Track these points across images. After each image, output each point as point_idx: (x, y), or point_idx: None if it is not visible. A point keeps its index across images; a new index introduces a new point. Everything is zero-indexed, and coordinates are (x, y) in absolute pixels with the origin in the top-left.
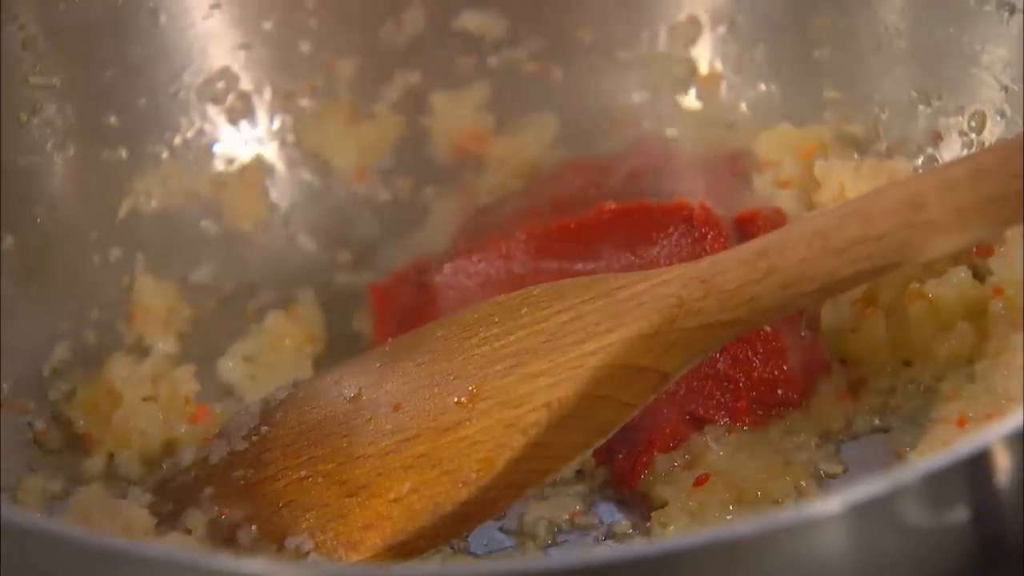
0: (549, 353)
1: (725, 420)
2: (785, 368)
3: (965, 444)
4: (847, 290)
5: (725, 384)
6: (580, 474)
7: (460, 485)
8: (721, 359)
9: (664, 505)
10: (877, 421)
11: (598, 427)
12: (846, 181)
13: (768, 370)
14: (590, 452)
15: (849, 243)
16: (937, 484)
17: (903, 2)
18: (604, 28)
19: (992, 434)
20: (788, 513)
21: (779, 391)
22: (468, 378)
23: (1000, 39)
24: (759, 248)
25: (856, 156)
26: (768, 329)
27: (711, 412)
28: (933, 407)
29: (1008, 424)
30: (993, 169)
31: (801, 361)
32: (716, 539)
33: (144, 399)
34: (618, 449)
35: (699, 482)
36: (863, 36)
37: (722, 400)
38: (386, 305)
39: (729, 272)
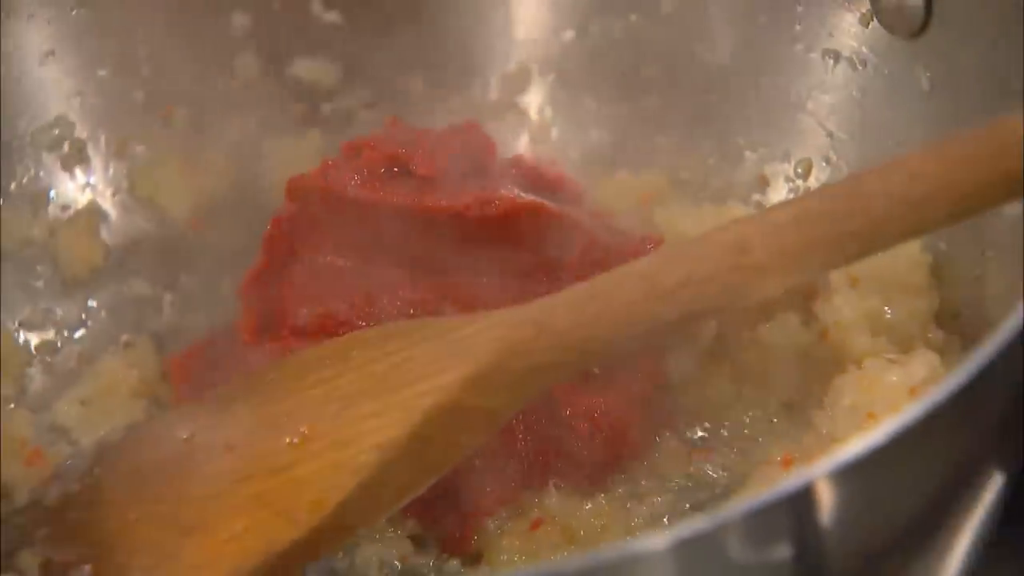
0: (381, 394)
1: (558, 483)
2: (626, 431)
3: (787, 481)
4: (678, 332)
5: (562, 447)
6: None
7: (293, 525)
8: (559, 422)
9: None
10: (718, 472)
11: (430, 467)
12: (688, 227)
13: (607, 436)
14: (422, 491)
15: (675, 286)
16: (760, 521)
17: (729, 50)
18: (435, 76)
19: (813, 471)
20: (614, 549)
21: (618, 453)
22: (300, 419)
23: (825, 86)
24: (588, 291)
25: (690, 202)
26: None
27: (545, 474)
28: (760, 448)
29: (829, 462)
30: (817, 212)
31: (645, 418)
32: (544, 573)
33: None
34: (445, 515)
35: (533, 526)
36: (690, 84)
37: (558, 463)
38: (185, 378)
39: (559, 314)
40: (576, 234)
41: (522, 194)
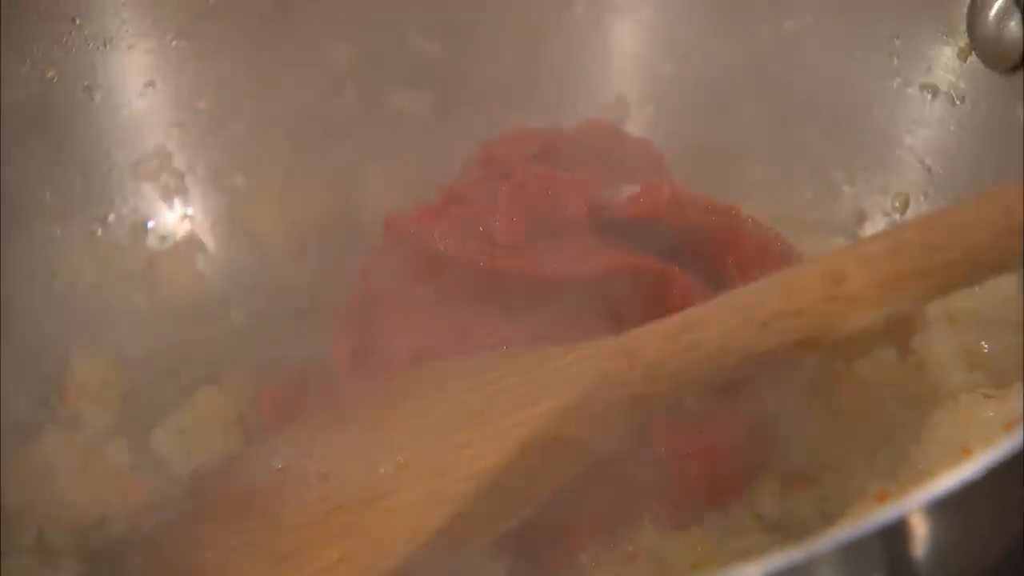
0: (476, 425)
1: (653, 517)
2: (722, 466)
3: (880, 514)
4: (773, 364)
5: (657, 482)
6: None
7: (387, 555)
8: (655, 456)
9: None
10: (814, 507)
11: (524, 498)
12: None
13: (705, 467)
14: (516, 522)
15: (770, 316)
16: (852, 554)
17: (826, 84)
18: (533, 107)
19: (907, 505)
20: None
21: (714, 489)
22: (395, 449)
23: (923, 120)
24: (682, 322)
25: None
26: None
27: (640, 508)
28: (855, 483)
29: (922, 496)
30: (912, 243)
31: (741, 453)
32: None
33: (76, 472)
34: (540, 548)
35: (628, 560)
36: (787, 117)
37: (653, 497)
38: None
39: (652, 345)
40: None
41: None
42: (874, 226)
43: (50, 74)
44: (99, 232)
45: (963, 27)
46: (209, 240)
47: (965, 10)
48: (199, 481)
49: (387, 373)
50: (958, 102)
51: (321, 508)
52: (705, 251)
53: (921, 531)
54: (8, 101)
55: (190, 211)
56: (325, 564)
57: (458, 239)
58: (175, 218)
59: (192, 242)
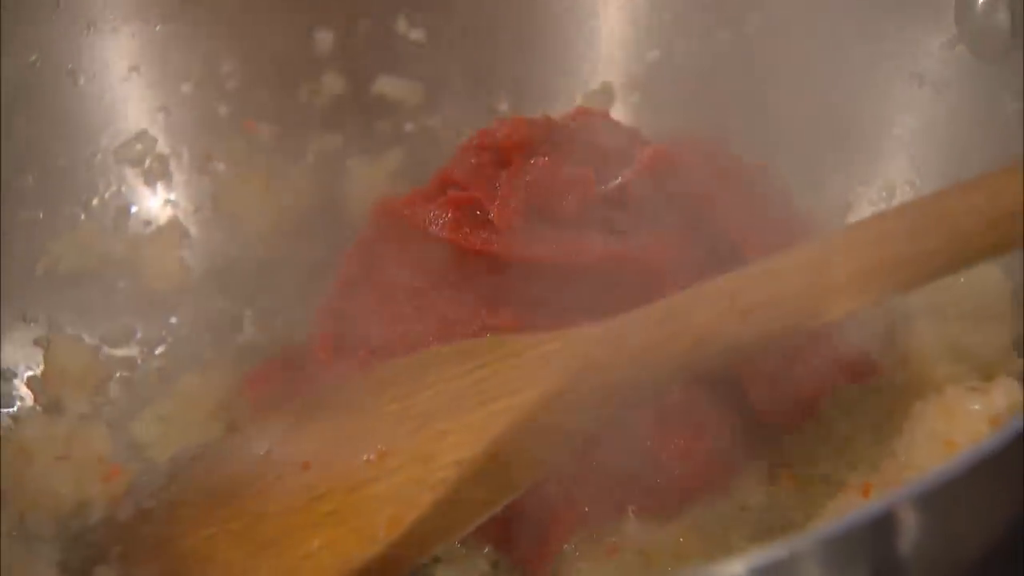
0: (458, 412)
1: (636, 509)
2: (706, 459)
3: (865, 509)
4: (756, 352)
5: (641, 474)
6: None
7: (369, 542)
8: (638, 447)
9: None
10: (798, 499)
11: (507, 486)
12: None
13: (690, 459)
14: (498, 510)
15: (754, 305)
16: (838, 548)
17: (813, 72)
18: (519, 95)
19: (892, 499)
20: (692, 575)
21: (698, 481)
22: (377, 437)
23: (910, 109)
24: (667, 309)
25: None
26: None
27: (623, 500)
28: (839, 476)
29: (907, 490)
30: (897, 230)
31: (725, 446)
32: None
33: (57, 458)
34: (522, 538)
35: (610, 552)
36: (774, 107)
37: (636, 489)
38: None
39: (636, 332)
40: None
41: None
42: (860, 215)
43: (32, 57)
44: (82, 217)
45: (951, 16)
46: (192, 226)
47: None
48: (179, 467)
49: (370, 360)
50: (945, 90)
51: (303, 496)
52: (696, 197)
53: (906, 525)
54: None
55: (173, 196)
56: (307, 551)
57: (451, 222)
58: (158, 203)
59: (175, 227)
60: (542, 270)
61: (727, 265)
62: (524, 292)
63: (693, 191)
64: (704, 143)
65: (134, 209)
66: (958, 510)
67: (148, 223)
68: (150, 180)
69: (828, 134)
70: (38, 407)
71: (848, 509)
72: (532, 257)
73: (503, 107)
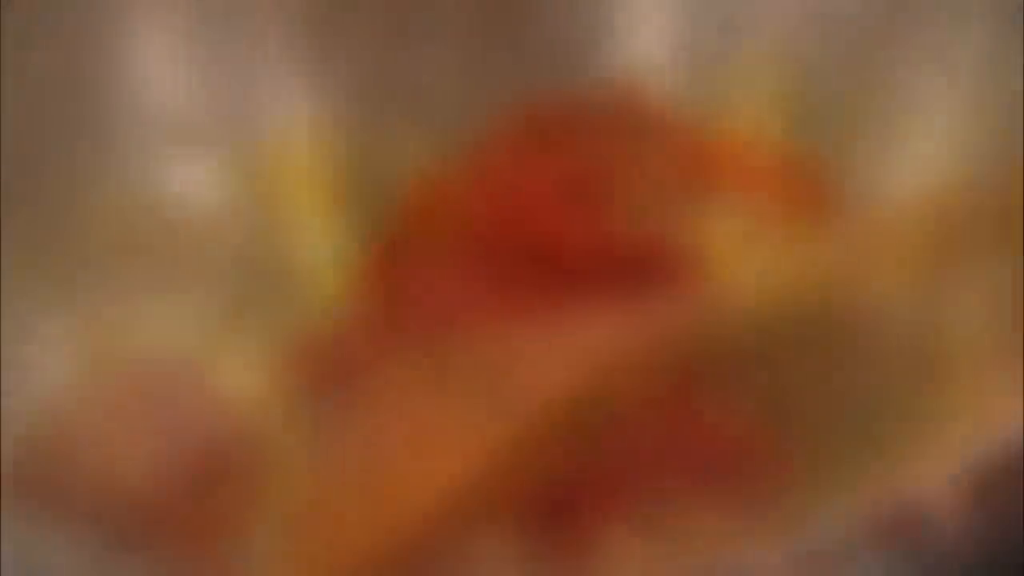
0: (487, 399)
1: (672, 492)
2: (744, 442)
3: (902, 491)
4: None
5: (675, 456)
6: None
7: (396, 533)
8: (670, 430)
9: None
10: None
11: (537, 474)
12: None
13: (722, 445)
14: (529, 498)
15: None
16: (881, 533)
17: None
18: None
19: (927, 482)
20: (731, 557)
21: (734, 464)
22: (405, 424)
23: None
24: (696, 294)
25: None
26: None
27: (658, 482)
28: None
29: (942, 472)
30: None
31: (764, 428)
32: None
33: None
34: (551, 524)
35: (645, 535)
36: None
37: (671, 471)
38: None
39: (664, 316)
40: None
41: None
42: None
43: (51, 42)
44: (105, 200)
45: None
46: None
47: None
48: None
49: (401, 345)
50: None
51: (327, 483)
52: None
53: (942, 510)
54: None
55: (199, 178)
56: (330, 542)
57: (491, 202)
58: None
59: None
60: (579, 256)
61: None
62: (555, 278)
63: None
64: None
65: (157, 193)
66: (1000, 496)
67: (171, 207)
68: (176, 167)
69: None
70: None
71: (888, 492)
72: (567, 243)
73: (526, 81)
